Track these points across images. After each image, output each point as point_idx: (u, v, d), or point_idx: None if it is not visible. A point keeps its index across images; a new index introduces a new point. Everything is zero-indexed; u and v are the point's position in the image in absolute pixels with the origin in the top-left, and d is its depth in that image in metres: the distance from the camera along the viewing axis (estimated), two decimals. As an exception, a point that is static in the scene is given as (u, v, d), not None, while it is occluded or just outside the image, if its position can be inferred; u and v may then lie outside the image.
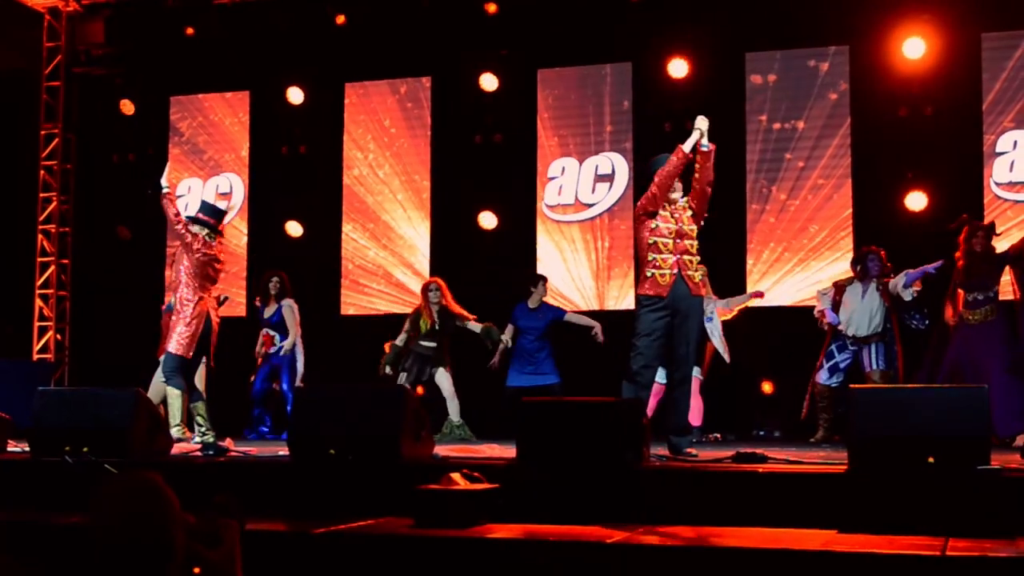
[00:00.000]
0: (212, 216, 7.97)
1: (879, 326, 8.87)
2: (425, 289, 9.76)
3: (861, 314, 8.88)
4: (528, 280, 9.86)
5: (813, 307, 9.41)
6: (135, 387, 6.85)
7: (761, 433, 9.75)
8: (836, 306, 9.01)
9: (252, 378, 10.29)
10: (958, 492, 4.82)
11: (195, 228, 7.82)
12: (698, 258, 6.57)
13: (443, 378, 9.56)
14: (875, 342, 8.89)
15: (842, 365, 8.98)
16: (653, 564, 4.37)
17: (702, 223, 6.63)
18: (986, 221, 9.70)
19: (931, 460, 4.96)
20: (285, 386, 10.07)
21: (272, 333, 10.14)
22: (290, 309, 10.12)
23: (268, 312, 10.19)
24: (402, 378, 9.60)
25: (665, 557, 4.40)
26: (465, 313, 9.59)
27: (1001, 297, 8.67)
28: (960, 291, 8.56)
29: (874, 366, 8.88)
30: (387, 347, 9.72)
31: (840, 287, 9.10)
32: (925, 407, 5.15)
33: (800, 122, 10.45)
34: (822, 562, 4.20)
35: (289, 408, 9.92)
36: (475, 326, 9.56)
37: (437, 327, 9.55)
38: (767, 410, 10.23)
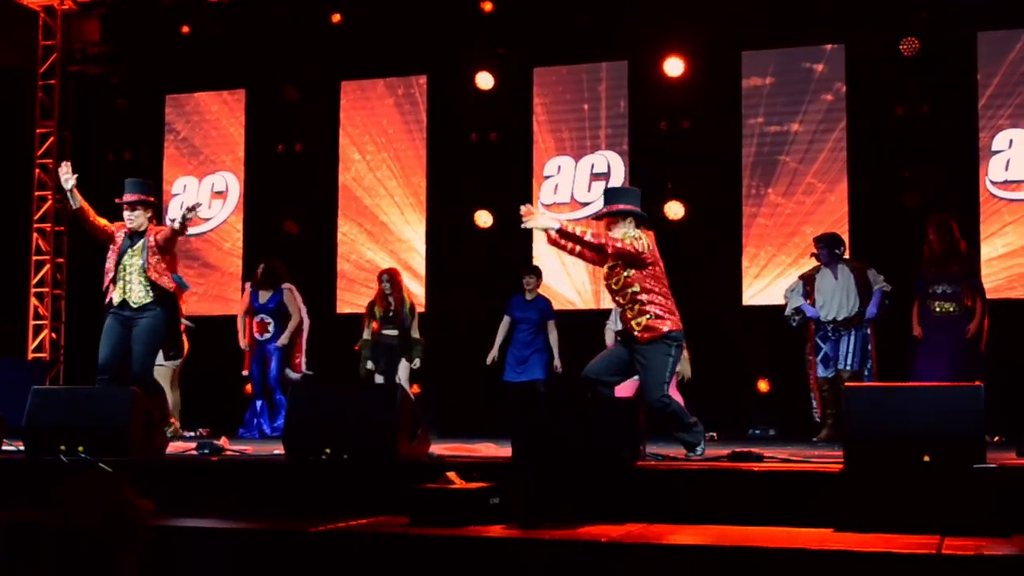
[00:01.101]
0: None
1: (855, 307, 8.85)
2: (378, 279, 9.88)
3: (836, 296, 8.88)
4: (522, 271, 9.91)
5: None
6: (131, 386, 6.84)
7: (757, 432, 9.75)
8: (808, 298, 9.03)
9: (245, 371, 10.25)
10: (954, 490, 4.82)
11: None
12: (635, 305, 6.40)
13: (402, 370, 9.62)
14: (853, 330, 8.84)
15: (831, 354, 8.98)
16: (649, 563, 4.37)
17: (627, 270, 6.43)
18: (982, 219, 9.74)
19: (927, 459, 4.97)
20: (273, 378, 10.03)
21: (268, 320, 10.11)
22: (291, 292, 10.12)
23: (264, 298, 10.16)
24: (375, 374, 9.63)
25: (661, 556, 4.40)
26: (407, 308, 9.73)
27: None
28: (928, 289, 8.62)
29: (846, 364, 8.84)
30: (356, 348, 9.81)
31: (809, 278, 9.10)
32: (921, 406, 5.15)
33: (795, 123, 10.45)
34: (818, 561, 4.20)
35: (278, 398, 9.92)
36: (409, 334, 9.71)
37: (391, 314, 9.64)
38: (763, 409, 10.23)
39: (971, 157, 9.91)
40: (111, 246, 7.58)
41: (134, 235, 7.55)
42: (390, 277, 9.85)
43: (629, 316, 6.43)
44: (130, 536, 2.54)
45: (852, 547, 4.25)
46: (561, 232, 6.43)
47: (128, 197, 7.58)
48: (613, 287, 6.52)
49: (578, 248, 6.59)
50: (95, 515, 2.54)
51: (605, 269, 6.59)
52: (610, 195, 6.72)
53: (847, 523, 4.74)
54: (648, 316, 6.38)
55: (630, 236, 6.40)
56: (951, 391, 5.38)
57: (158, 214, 7.96)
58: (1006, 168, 9.84)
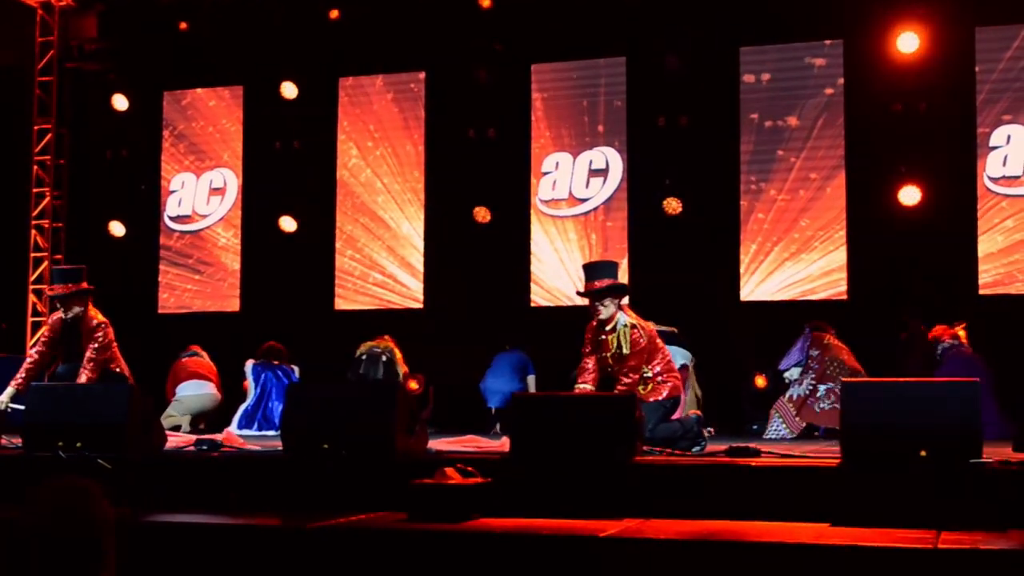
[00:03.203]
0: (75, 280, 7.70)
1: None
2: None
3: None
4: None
5: (805, 300, 9.46)
6: (129, 383, 6.85)
7: (754, 427, 9.75)
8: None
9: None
10: (950, 485, 4.83)
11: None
12: (643, 382, 6.70)
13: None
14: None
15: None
16: (645, 558, 4.37)
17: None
18: (980, 215, 9.77)
19: (923, 454, 4.98)
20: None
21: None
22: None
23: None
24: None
25: (657, 551, 4.40)
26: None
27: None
28: None
29: None
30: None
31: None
32: (917, 401, 5.16)
33: (793, 117, 10.45)
34: (815, 555, 4.20)
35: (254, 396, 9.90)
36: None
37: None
38: (760, 404, 10.22)
39: (969, 153, 9.90)
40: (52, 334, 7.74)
41: (71, 325, 7.65)
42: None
43: (640, 389, 6.60)
44: (93, 540, 2.54)
45: (849, 541, 4.26)
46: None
47: (58, 289, 7.65)
48: (626, 378, 6.62)
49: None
50: (67, 519, 2.55)
51: (609, 359, 6.68)
52: (591, 271, 6.86)
53: (844, 518, 4.74)
54: (651, 386, 6.66)
55: (628, 333, 6.58)
56: (947, 387, 5.39)
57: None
58: (1004, 164, 9.83)
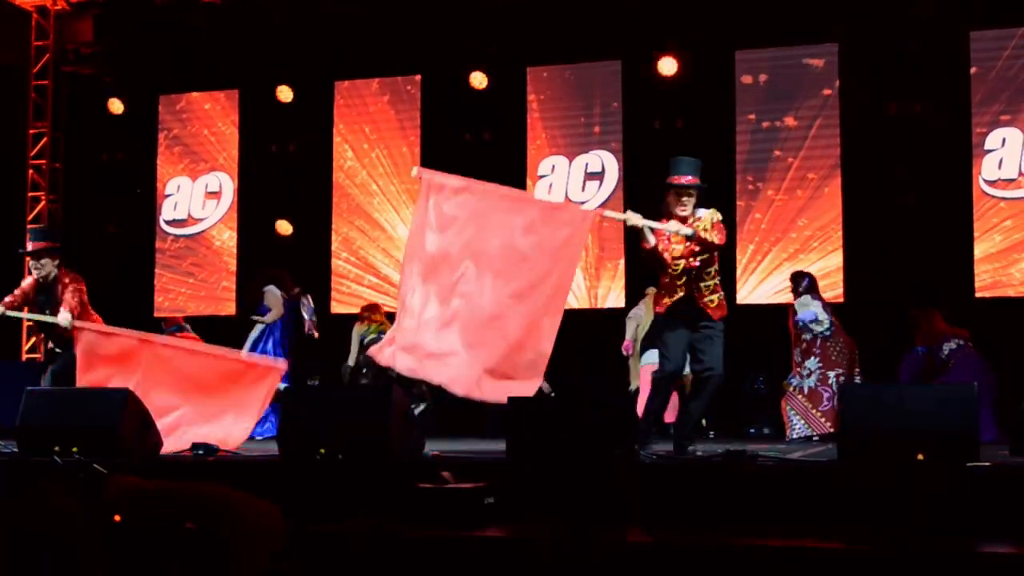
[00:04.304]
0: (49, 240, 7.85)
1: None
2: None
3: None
4: None
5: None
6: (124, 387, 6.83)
7: (752, 431, 9.76)
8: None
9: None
10: (948, 488, 4.82)
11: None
12: (712, 283, 6.43)
13: None
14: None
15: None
16: (644, 561, 4.37)
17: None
18: (976, 217, 9.78)
19: (921, 456, 4.97)
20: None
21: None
22: (271, 291, 10.03)
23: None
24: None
25: (657, 554, 4.40)
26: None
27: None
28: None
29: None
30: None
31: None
32: (916, 404, 5.16)
33: (790, 118, 10.46)
34: (811, 556, 4.20)
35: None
36: None
37: None
38: (759, 407, 10.22)
39: (964, 155, 9.91)
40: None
41: (45, 287, 7.74)
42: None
43: (705, 294, 6.34)
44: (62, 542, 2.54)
45: (846, 544, 4.25)
46: (697, 239, 6.26)
47: (30, 246, 7.79)
48: (695, 269, 6.31)
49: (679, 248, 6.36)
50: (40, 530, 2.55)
51: (681, 250, 6.35)
52: (684, 167, 6.40)
53: (841, 520, 4.74)
54: (720, 294, 6.43)
55: (719, 216, 6.35)
56: (945, 390, 5.39)
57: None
58: (999, 167, 9.84)
